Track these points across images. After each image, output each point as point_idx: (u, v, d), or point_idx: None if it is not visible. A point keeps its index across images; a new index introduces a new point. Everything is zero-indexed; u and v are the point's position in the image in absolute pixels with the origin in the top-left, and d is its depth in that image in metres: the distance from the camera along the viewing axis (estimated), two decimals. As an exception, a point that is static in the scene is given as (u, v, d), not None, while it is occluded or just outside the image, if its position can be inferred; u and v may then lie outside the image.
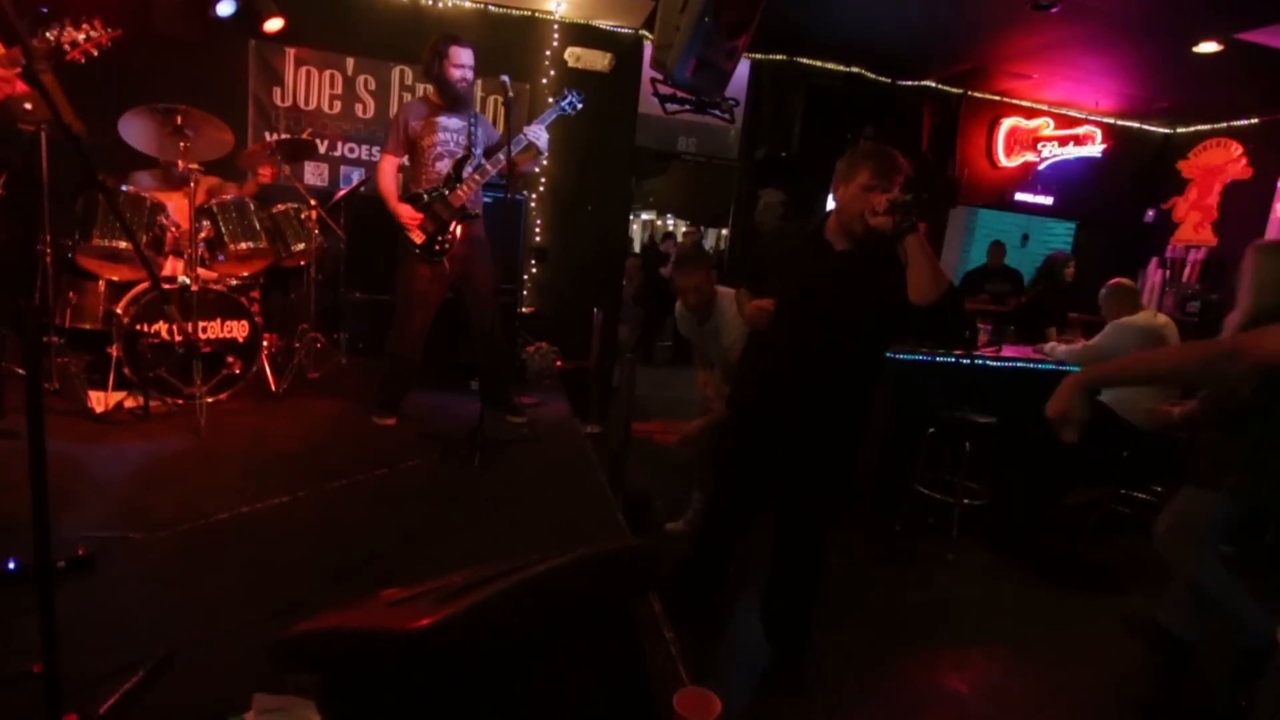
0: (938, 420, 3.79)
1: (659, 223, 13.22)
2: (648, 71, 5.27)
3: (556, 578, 1.00)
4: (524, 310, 5.06)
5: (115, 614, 1.70)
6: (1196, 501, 2.60)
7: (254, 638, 1.66)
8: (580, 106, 3.32)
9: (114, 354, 3.10)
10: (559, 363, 4.83)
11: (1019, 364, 4.06)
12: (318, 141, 4.54)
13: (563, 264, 5.27)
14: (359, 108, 4.74)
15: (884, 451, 3.90)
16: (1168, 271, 6.23)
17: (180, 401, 3.18)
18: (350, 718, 1.01)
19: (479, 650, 0.86)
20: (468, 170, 3.23)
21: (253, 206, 3.59)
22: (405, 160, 3.34)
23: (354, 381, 3.94)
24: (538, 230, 5.20)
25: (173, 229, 3.30)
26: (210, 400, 3.16)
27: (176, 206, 3.38)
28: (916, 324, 2.17)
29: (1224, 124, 5.99)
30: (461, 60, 3.18)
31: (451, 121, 3.24)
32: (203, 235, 3.32)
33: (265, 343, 3.55)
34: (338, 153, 4.75)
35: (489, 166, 3.22)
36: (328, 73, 4.65)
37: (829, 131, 5.57)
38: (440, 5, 4.71)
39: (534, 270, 5.20)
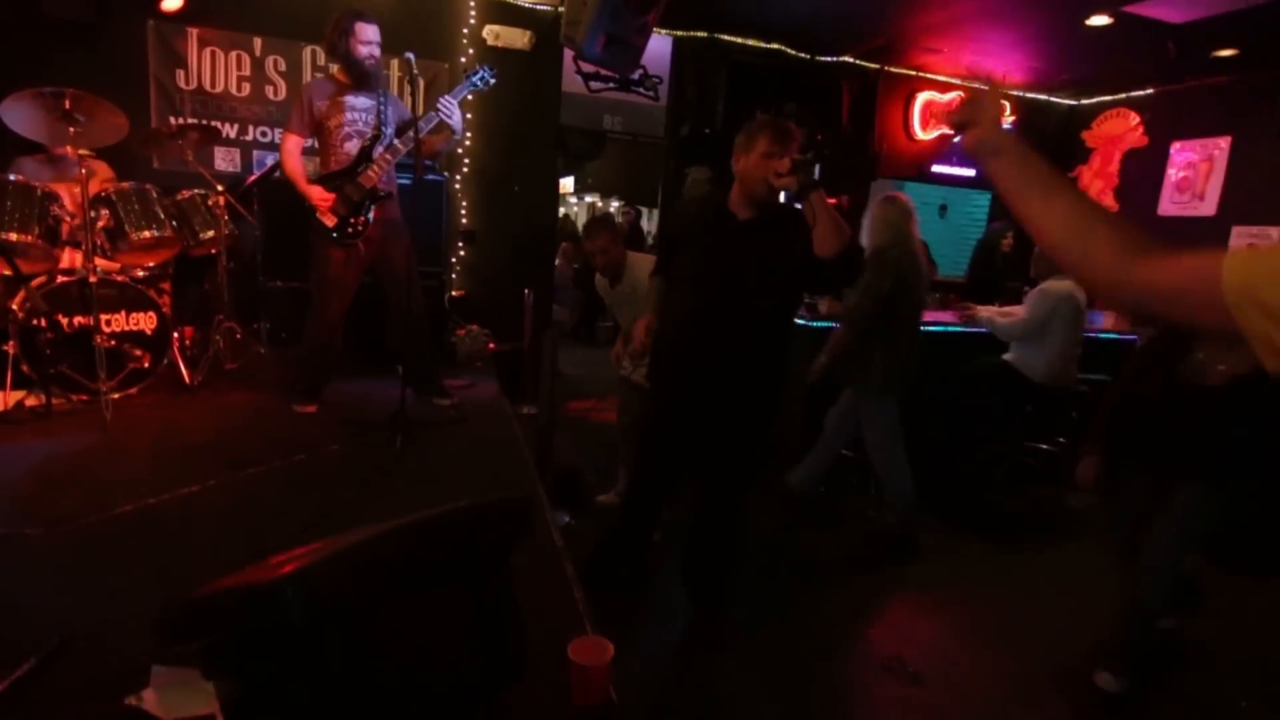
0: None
1: (599, 204, 13.18)
2: (564, 46, 5.26)
3: (423, 528, 1.04)
4: (454, 293, 5.03)
5: (8, 608, 1.67)
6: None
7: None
8: (493, 81, 3.31)
9: (10, 351, 2.97)
10: (491, 345, 4.83)
11: (933, 328, 4.24)
12: (226, 126, 4.38)
13: (492, 246, 5.24)
14: (269, 90, 4.60)
15: (805, 416, 4.04)
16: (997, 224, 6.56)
17: (85, 398, 3.07)
18: (228, 675, 1.04)
19: (341, 595, 0.90)
20: (378, 150, 3.19)
21: (155, 193, 3.47)
22: (312, 141, 3.26)
23: (274, 372, 3.86)
24: (464, 212, 5.15)
25: (68, 219, 3.17)
26: (118, 396, 3.08)
27: (70, 195, 3.24)
28: (823, 279, 2.26)
29: (1123, 95, 6.31)
30: (368, 37, 3.12)
31: (359, 100, 3.19)
32: (101, 224, 3.20)
33: (176, 335, 3.45)
34: (249, 136, 4.60)
35: (400, 145, 3.19)
36: (234, 53, 4.49)
37: (752, 108, 5.64)
38: (350, -18, 4.57)
39: (462, 253, 5.16)
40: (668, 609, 2.72)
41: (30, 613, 1.68)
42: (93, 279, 2.98)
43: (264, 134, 4.64)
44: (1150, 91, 6.09)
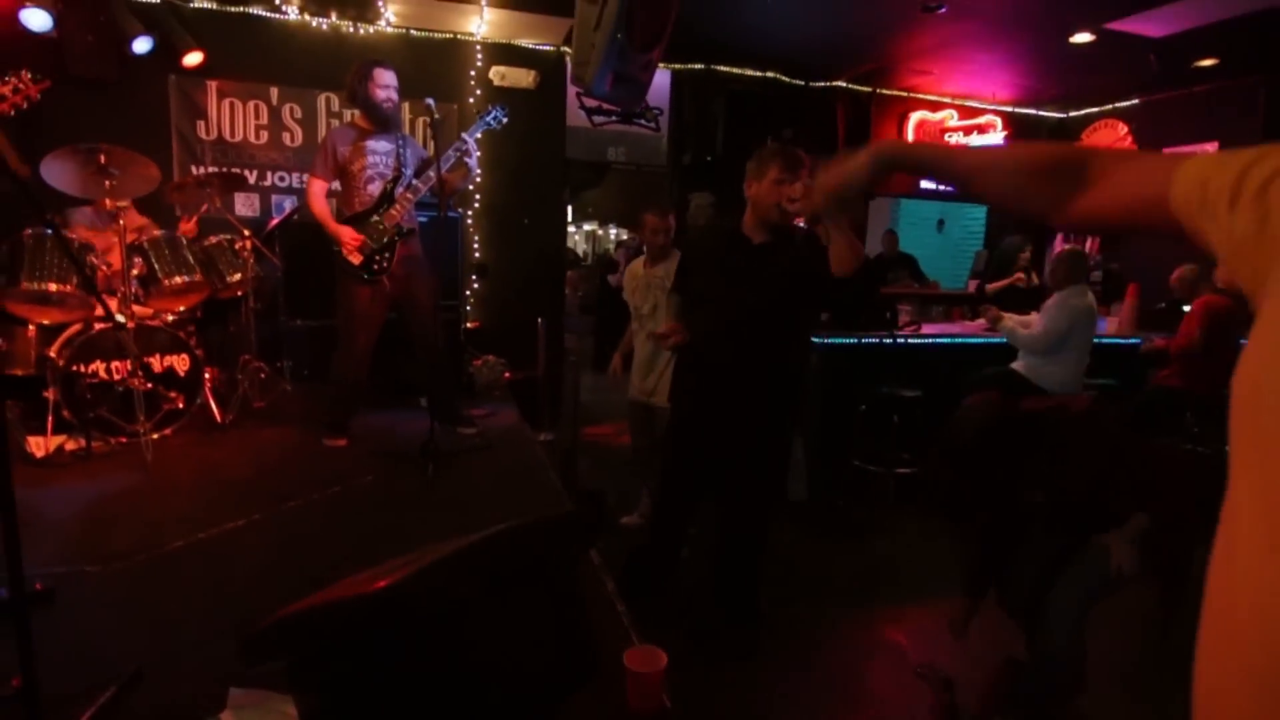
0: (867, 398, 4.04)
1: (599, 232, 13.39)
2: (573, 86, 5.45)
3: (492, 543, 1.13)
4: (469, 325, 5.14)
5: (81, 640, 1.74)
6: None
7: (223, 648, 1.74)
8: (505, 120, 3.45)
9: (51, 397, 3.08)
10: (507, 374, 4.93)
11: (938, 340, 4.35)
12: (246, 173, 4.53)
13: (504, 278, 5.37)
14: (286, 136, 4.76)
15: (820, 432, 4.13)
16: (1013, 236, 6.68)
17: (124, 440, 3.16)
18: (317, 690, 1.12)
19: (428, 608, 0.98)
20: (399, 190, 3.33)
21: (184, 241, 3.60)
22: (335, 185, 3.41)
23: (300, 407, 3.96)
24: (476, 247, 5.29)
25: (104, 267, 3.29)
26: (155, 436, 3.16)
27: (106, 245, 3.37)
28: (839, 297, 2.34)
29: (1110, 105, 6.49)
30: (385, 81, 3.28)
31: (380, 144, 3.33)
32: (135, 272, 3.32)
33: (207, 375, 3.56)
34: (267, 182, 4.76)
35: (420, 184, 3.33)
36: (252, 103, 4.66)
37: (750, 134, 5.82)
38: (362, 31, 4.78)
39: (475, 286, 5.29)
40: (698, 622, 2.77)
41: (100, 644, 1.75)
42: (130, 325, 3.10)
43: (281, 179, 4.79)
44: (1136, 102, 6.26)
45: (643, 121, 5.71)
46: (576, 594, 1.18)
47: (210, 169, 4.53)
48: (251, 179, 4.67)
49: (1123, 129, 6.42)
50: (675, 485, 2.62)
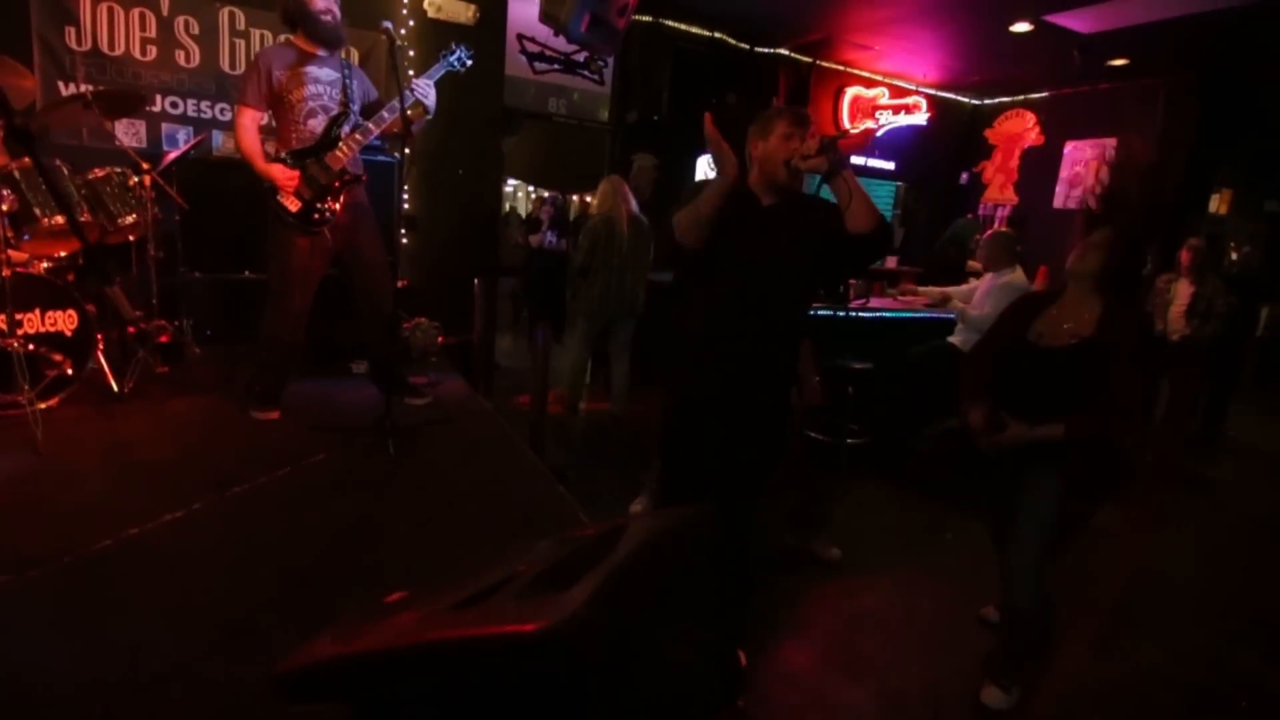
0: (820, 369, 4.08)
1: (509, 189, 12.76)
2: (514, 28, 5.03)
3: (640, 561, 0.96)
4: (398, 284, 4.69)
5: (13, 679, 1.39)
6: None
7: (206, 674, 1.45)
8: (470, 63, 3.10)
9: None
10: (440, 338, 4.57)
11: (886, 314, 4.46)
12: (142, 93, 3.82)
13: (435, 233, 4.95)
14: (180, 55, 4.06)
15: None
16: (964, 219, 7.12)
17: (2, 414, 2.61)
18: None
19: (611, 640, 0.80)
20: (345, 129, 2.91)
21: (66, 171, 2.99)
22: (268, 117, 2.92)
23: (213, 373, 3.47)
24: (405, 197, 4.82)
25: (-39, 201, 2.66)
26: (41, 407, 2.62)
27: (-37, 173, 2.73)
28: (857, 256, 2.26)
29: (1021, 96, 6.88)
30: None
31: (324, 72, 2.88)
32: (4, 208, 2.70)
33: (98, 335, 3.00)
34: (156, 107, 4.06)
35: (371, 126, 2.92)
36: (136, 11, 3.92)
37: (695, 96, 5.66)
38: (275, -61, 4.12)
39: (405, 240, 4.83)
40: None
41: (38, 673, 1.40)
42: (5, 273, 2.53)
43: (174, 105, 4.10)
44: (1045, 94, 6.67)
45: (587, 74, 5.40)
46: (719, 604, 1.04)
47: (84, 86, 3.79)
48: (146, 102, 3.94)
49: (1031, 119, 6.83)
50: (687, 475, 2.47)
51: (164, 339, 3.37)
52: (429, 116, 3.10)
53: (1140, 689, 2.49)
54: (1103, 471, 2.14)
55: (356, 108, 2.97)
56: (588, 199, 8.14)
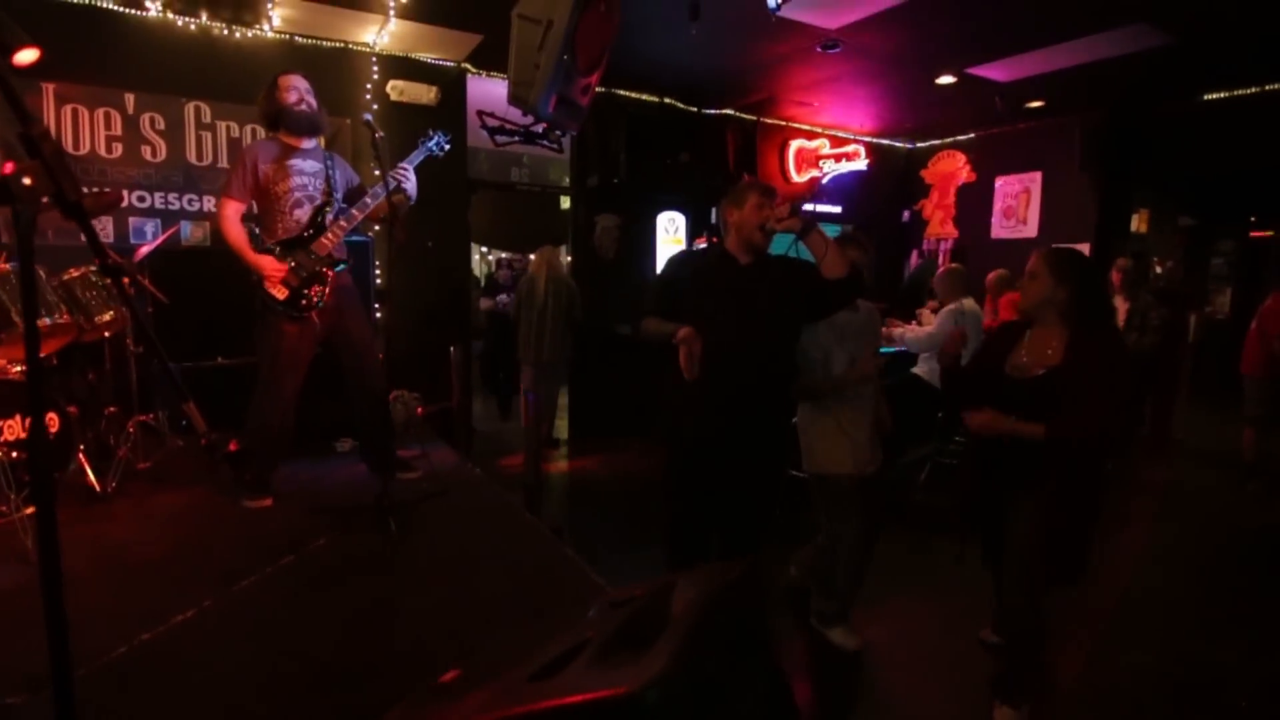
0: (792, 407, 4.23)
1: (487, 255, 12.89)
2: (474, 104, 5.22)
3: (706, 624, 1.03)
4: (374, 358, 4.72)
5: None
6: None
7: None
8: (448, 147, 3.24)
9: None
10: (420, 409, 4.59)
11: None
12: (114, 193, 3.83)
13: (407, 305, 5.00)
14: (146, 150, 4.11)
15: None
16: (925, 259, 7.50)
17: (-18, 525, 2.54)
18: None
19: (696, 698, 0.87)
20: (329, 217, 3.00)
21: (43, 274, 2.98)
22: (252, 207, 3.00)
23: (193, 465, 3.42)
24: (377, 272, 4.88)
25: (-64, 312, 2.64)
26: (28, 513, 2.56)
27: (-62, 284, 2.71)
28: (835, 298, 2.46)
29: (950, 139, 7.36)
30: (292, 84, 2.98)
31: (307, 164, 2.98)
32: (-19, 315, 2.69)
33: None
34: (124, 202, 4.07)
35: (356, 212, 3.02)
36: (101, 111, 3.97)
37: (650, 157, 5.92)
38: (239, 35, 4.25)
39: (379, 314, 4.87)
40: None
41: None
42: (-11, 381, 2.51)
43: (141, 199, 4.12)
44: (973, 135, 7.16)
45: (546, 142, 5.58)
46: (777, 655, 1.11)
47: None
48: (122, 202, 3.96)
49: (961, 159, 7.30)
50: (690, 527, 2.55)
51: (233, 447, 3.24)
52: (411, 201, 3.21)
53: (1132, 692, 2.61)
54: (1083, 487, 2.26)
55: (339, 195, 3.07)
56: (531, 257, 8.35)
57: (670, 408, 2.59)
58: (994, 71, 5.13)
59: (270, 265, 2.85)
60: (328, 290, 2.98)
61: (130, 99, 4.04)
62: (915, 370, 4.52)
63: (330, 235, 2.96)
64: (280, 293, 2.88)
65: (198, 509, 2.91)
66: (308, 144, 3.01)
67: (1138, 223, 7.32)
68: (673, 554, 2.64)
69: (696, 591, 1.04)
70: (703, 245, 6.08)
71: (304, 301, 2.93)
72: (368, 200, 2.99)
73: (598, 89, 5.69)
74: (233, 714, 1.64)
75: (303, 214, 2.95)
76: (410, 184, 3.08)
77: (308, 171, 2.97)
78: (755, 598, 1.11)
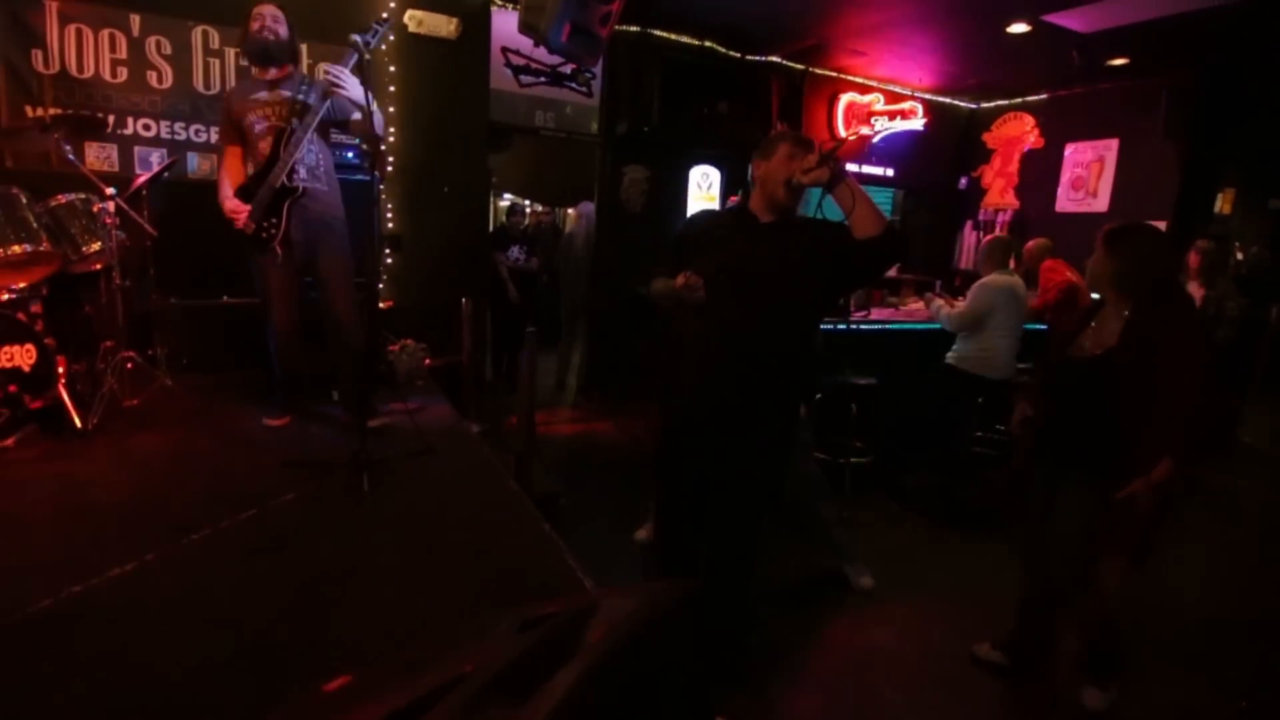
0: (822, 386, 3.92)
1: (502, 203, 12.67)
2: (499, 40, 4.91)
3: (615, 657, 0.80)
4: (382, 305, 4.56)
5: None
6: None
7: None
8: (381, 30, 2.86)
9: None
10: (427, 360, 4.42)
11: (889, 326, 4.31)
12: (102, 116, 3.70)
13: (420, 252, 4.80)
14: (152, 76, 3.94)
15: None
16: (981, 233, 6.96)
17: (-52, 456, 2.46)
18: None
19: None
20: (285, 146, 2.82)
21: (24, 199, 2.85)
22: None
23: (186, 405, 3.32)
24: (390, 215, 4.69)
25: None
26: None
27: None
28: (868, 261, 2.14)
29: (1019, 99, 6.75)
30: (258, 12, 2.85)
31: (275, 94, 2.89)
32: (-45, 239, 2.57)
33: (60, 369, 2.86)
34: (128, 130, 3.92)
35: (299, 134, 2.82)
36: (105, 33, 3.80)
37: (686, 106, 5.55)
38: (249, -45, 4.00)
39: (389, 260, 4.69)
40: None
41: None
42: (-47, 308, 2.39)
43: (146, 127, 3.97)
44: (1044, 96, 6.54)
45: (574, 85, 5.28)
46: (706, 698, 0.88)
47: (53, 111, 3.66)
48: (107, 125, 3.82)
49: (1030, 122, 6.70)
50: (682, 498, 2.33)
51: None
52: (362, 103, 2.77)
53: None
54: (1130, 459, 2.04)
55: (303, 121, 2.86)
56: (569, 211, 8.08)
57: (669, 373, 2.34)
58: (1074, 20, 4.58)
59: (229, 205, 2.82)
60: (283, 221, 2.84)
61: (136, 20, 3.85)
62: (948, 357, 4.12)
63: (281, 162, 2.79)
64: (247, 229, 2.78)
65: (174, 451, 2.79)
66: (274, 73, 2.89)
67: (1221, 203, 6.66)
68: (660, 538, 2.43)
69: (609, 634, 0.80)
70: (734, 203, 5.75)
71: (263, 234, 2.84)
72: (308, 119, 2.80)
73: (631, 29, 5.33)
74: (139, 685, 1.49)
75: (266, 145, 2.83)
76: (350, 89, 2.77)
77: (274, 102, 2.84)
78: (685, 630, 0.87)
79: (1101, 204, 6.10)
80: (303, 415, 3.25)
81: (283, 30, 2.89)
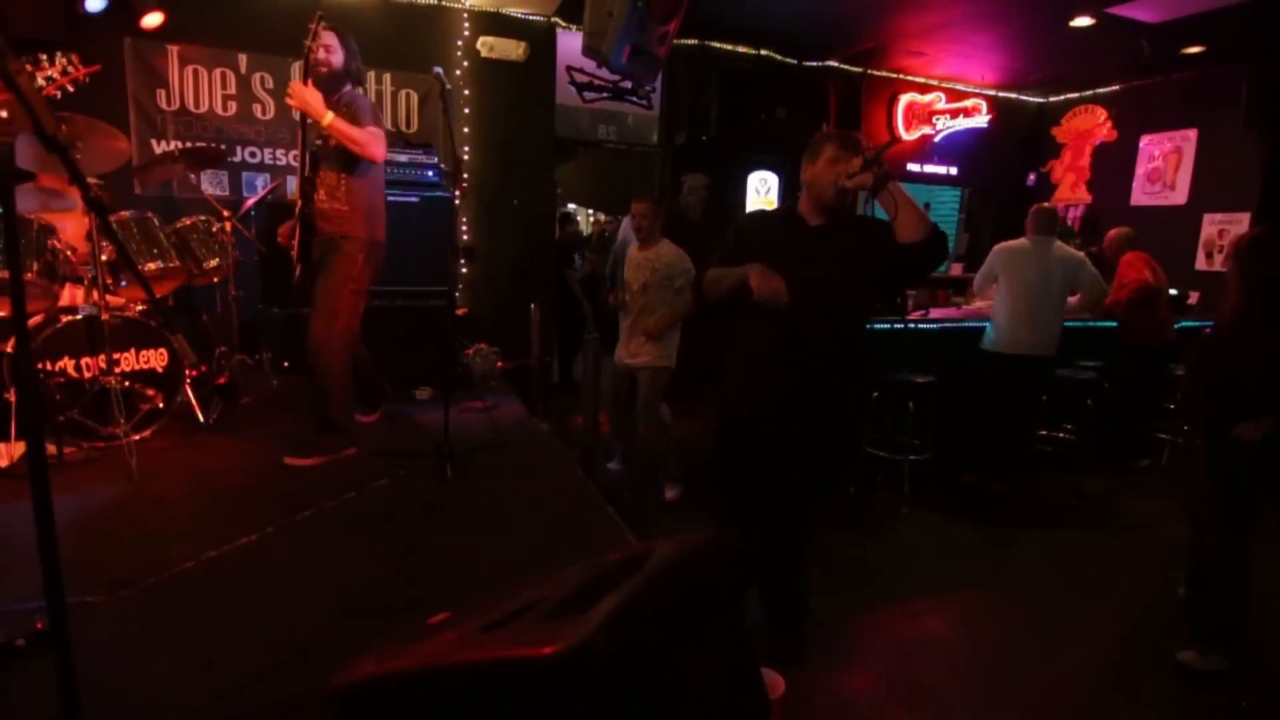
0: (880, 385, 3.98)
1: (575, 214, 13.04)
2: (563, 60, 5.19)
3: (663, 582, 0.97)
4: (459, 312, 4.88)
5: (101, 689, 1.51)
6: None
7: (269, 692, 1.54)
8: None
9: (11, 399, 2.74)
10: (500, 363, 4.71)
11: (947, 324, 4.32)
12: (222, 147, 4.14)
13: (493, 261, 5.12)
14: (257, 108, 4.39)
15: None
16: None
17: (100, 445, 2.86)
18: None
19: (623, 666, 0.82)
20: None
21: (157, 222, 3.27)
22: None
23: (290, 403, 3.68)
24: (465, 228, 5.02)
25: (68, 252, 2.95)
26: (135, 438, 2.86)
27: (69, 228, 3.02)
28: (912, 263, 2.21)
29: (1090, 91, 6.57)
30: (317, 43, 2.84)
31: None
32: (104, 258, 2.98)
33: (189, 371, 3.25)
34: (237, 158, 4.38)
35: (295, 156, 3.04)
36: (218, 71, 4.27)
37: (744, 114, 5.68)
38: (339, -4, 4.41)
39: (464, 270, 5.02)
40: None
41: (126, 690, 1.53)
42: (105, 316, 2.78)
43: (253, 155, 4.42)
44: (1116, 88, 6.35)
45: (635, 99, 5.50)
46: (746, 631, 1.04)
47: (174, 143, 4.14)
48: (226, 156, 4.27)
49: (1102, 114, 6.51)
50: (737, 497, 2.45)
51: (221, 380, 3.52)
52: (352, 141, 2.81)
53: None
54: None
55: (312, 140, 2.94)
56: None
57: (723, 374, 2.48)
58: (1142, 10, 4.49)
59: (282, 233, 3.08)
60: (298, 241, 2.95)
61: (243, 59, 4.31)
62: (1003, 352, 4.04)
63: (296, 186, 3.00)
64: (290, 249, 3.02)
65: (281, 443, 3.12)
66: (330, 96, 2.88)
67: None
68: (715, 524, 2.56)
69: (662, 560, 0.98)
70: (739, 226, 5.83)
71: (292, 254, 3.01)
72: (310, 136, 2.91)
73: (689, 41, 5.52)
74: (269, 629, 1.76)
75: (307, 167, 2.94)
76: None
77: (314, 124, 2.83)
78: (731, 572, 1.04)
79: (1180, 196, 5.88)
80: (388, 412, 3.54)
81: (336, 59, 2.88)
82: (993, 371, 4.01)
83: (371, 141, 2.79)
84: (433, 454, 2.88)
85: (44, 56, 2.56)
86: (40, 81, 2.51)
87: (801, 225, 2.30)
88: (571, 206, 11.52)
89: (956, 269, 6.79)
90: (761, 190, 6.02)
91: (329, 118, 2.73)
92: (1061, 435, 4.46)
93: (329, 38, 2.90)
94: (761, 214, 2.63)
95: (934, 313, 4.44)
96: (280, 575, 2.04)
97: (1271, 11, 4.29)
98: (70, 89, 2.58)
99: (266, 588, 1.97)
